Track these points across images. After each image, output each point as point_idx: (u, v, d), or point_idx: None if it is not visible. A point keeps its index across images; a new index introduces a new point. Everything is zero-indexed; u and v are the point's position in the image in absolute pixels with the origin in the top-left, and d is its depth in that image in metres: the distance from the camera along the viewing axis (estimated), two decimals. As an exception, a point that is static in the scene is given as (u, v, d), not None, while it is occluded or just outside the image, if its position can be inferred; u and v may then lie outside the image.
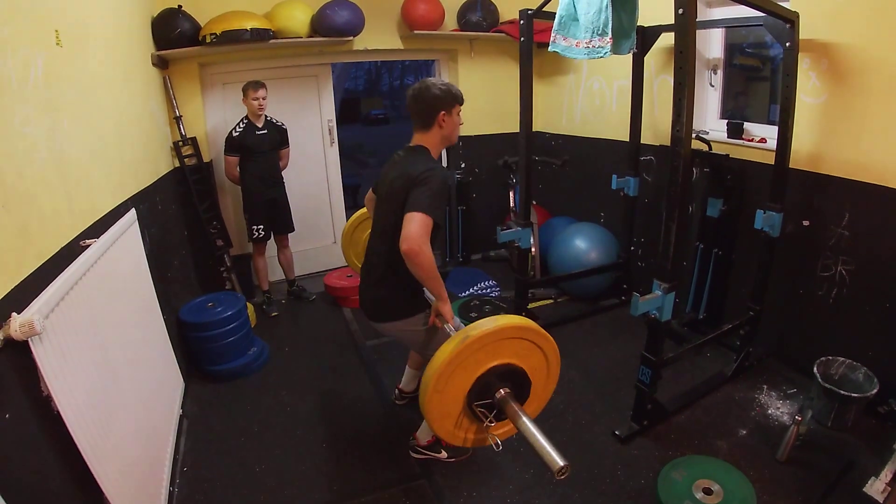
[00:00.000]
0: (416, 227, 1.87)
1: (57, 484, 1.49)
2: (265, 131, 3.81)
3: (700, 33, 3.20)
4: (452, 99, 2.10)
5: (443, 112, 2.08)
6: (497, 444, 1.85)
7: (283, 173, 4.05)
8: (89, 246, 1.86)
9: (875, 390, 2.47)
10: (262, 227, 3.92)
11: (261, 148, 3.80)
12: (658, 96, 3.67)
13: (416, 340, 2.29)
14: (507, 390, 1.78)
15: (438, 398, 1.72)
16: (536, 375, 1.86)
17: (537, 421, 1.74)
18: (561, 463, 1.56)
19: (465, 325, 2.20)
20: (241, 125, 3.73)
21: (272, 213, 3.98)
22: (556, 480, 1.63)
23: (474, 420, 1.84)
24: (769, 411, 2.74)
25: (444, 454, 2.47)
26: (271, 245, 4.15)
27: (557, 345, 1.85)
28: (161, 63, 3.64)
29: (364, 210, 2.81)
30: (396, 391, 2.94)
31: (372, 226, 2.31)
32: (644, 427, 2.62)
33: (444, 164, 4.70)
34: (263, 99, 3.69)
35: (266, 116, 3.83)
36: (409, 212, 1.90)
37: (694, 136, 3.15)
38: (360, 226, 2.99)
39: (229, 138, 3.73)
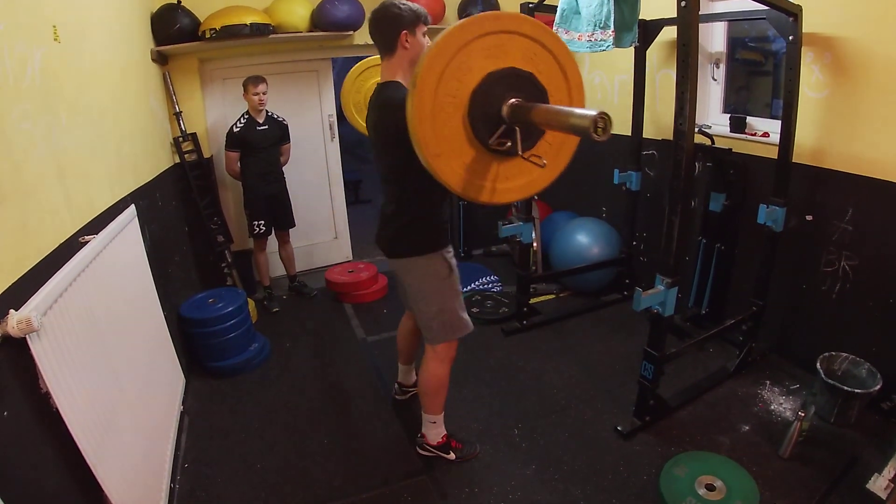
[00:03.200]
0: None
1: (56, 481, 1.49)
2: (266, 127, 3.80)
3: (702, 27, 3.18)
4: (416, 18, 1.93)
5: (405, 32, 1.91)
6: (542, 163, 1.63)
7: (283, 168, 4.04)
8: (88, 242, 1.85)
9: (878, 386, 2.45)
10: (262, 222, 3.92)
11: (262, 143, 3.79)
12: (660, 90, 3.64)
13: (426, 288, 2.17)
14: (517, 98, 1.51)
15: (441, 161, 1.47)
16: (545, 74, 1.57)
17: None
18: (593, 113, 1.33)
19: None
20: (242, 120, 3.72)
21: (273, 208, 3.97)
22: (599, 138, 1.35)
23: (502, 160, 1.57)
24: (772, 407, 2.73)
25: (451, 455, 2.45)
26: (272, 241, 4.14)
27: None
28: (160, 59, 3.63)
29: (373, 58, 2.69)
30: (396, 386, 2.93)
31: (379, 172, 2.21)
32: (646, 423, 2.61)
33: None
34: (264, 94, 3.68)
35: (267, 112, 3.81)
36: None
37: (696, 130, 3.14)
38: (366, 72, 2.95)
39: (230, 134, 3.72)
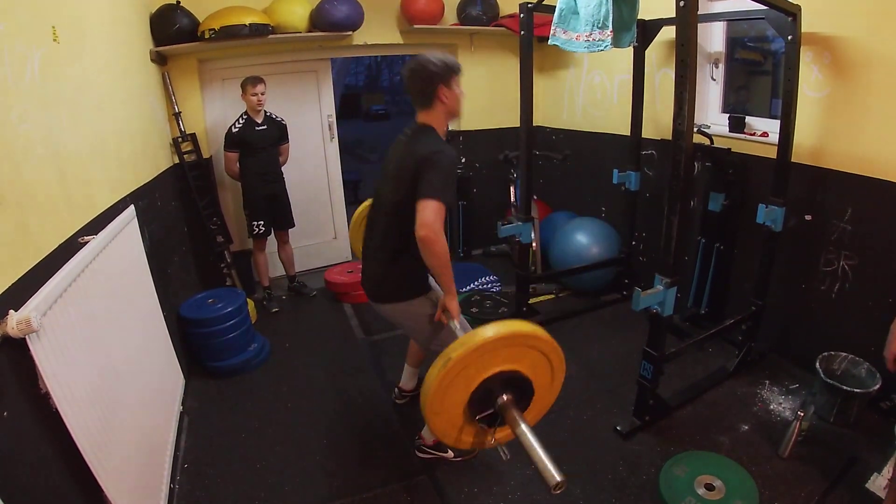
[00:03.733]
0: (431, 213, 1.85)
1: (56, 481, 1.49)
2: (265, 127, 3.80)
3: (701, 27, 3.18)
4: (449, 71, 2.01)
5: (442, 86, 2.00)
6: (505, 454, 1.85)
7: (283, 169, 4.04)
8: (88, 242, 1.85)
9: (877, 386, 2.45)
10: (262, 222, 3.92)
11: (261, 144, 3.79)
12: (659, 90, 3.64)
13: (419, 327, 2.21)
14: (509, 397, 1.73)
15: (438, 419, 1.71)
16: (539, 377, 1.81)
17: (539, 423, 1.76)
18: (558, 478, 1.52)
19: (469, 323, 2.17)
20: (241, 121, 3.72)
21: (272, 208, 3.97)
22: (552, 494, 1.60)
23: (478, 426, 1.80)
24: (771, 407, 2.73)
25: (450, 454, 2.46)
26: (271, 241, 4.14)
27: (559, 340, 1.81)
28: (160, 59, 3.63)
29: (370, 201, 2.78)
30: (396, 390, 2.92)
31: (373, 204, 2.24)
32: (646, 422, 2.61)
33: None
34: (262, 94, 3.68)
35: (266, 112, 3.81)
36: (422, 198, 1.87)
37: (695, 130, 3.14)
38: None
39: (229, 134, 3.72)
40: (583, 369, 3.14)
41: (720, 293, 3.37)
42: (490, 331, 1.64)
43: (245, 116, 3.74)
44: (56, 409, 1.44)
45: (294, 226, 4.18)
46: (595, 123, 4.35)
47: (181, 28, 3.56)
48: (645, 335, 2.52)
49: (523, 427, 1.68)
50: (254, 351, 3.30)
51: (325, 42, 4.23)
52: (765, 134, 3.04)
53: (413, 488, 2.33)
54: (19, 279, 1.45)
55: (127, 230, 2.28)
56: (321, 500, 2.29)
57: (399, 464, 2.48)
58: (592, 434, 2.61)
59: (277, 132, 3.91)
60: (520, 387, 1.76)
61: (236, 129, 3.70)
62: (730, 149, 3.08)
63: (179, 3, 3.58)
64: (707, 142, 3.20)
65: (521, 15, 3.06)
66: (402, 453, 2.54)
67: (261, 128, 3.78)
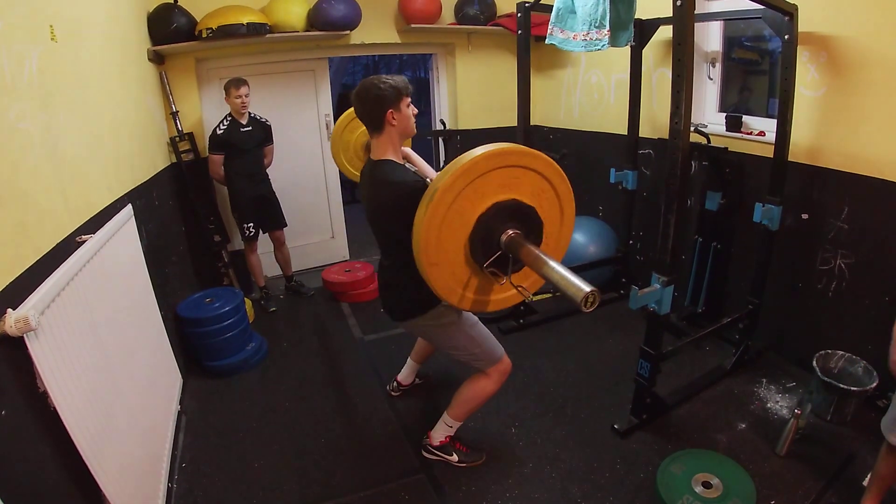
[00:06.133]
0: None
1: (54, 480, 1.49)
2: (250, 128, 3.76)
3: (698, 26, 3.19)
4: (397, 94, 1.97)
5: (390, 110, 1.96)
6: (528, 295, 1.73)
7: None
8: (85, 242, 1.85)
9: (874, 384, 2.46)
10: (252, 224, 3.89)
11: (246, 145, 3.75)
12: (656, 89, 3.65)
13: (446, 336, 2.22)
14: (516, 231, 1.59)
15: (437, 270, 1.57)
16: (545, 206, 1.65)
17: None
18: (586, 290, 1.40)
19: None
20: (225, 123, 3.68)
21: (261, 209, 3.94)
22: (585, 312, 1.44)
23: (489, 278, 1.65)
24: (768, 405, 2.74)
25: (455, 457, 2.43)
26: (265, 241, 4.12)
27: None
28: (157, 58, 3.62)
29: (351, 111, 2.82)
30: (394, 383, 2.94)
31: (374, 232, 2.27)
32: (643, 421, 2.62)
33: (442, 157, 4.67)
34: (246, 97, 3.64)
35: (250, 113, 3.78)
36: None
37: (692, 129, 3.14)
38: (348, 127, 3.18)
39: (213, 136, 3.68)
40: (580, 368, 3.14)
41: (717, 292, 3.38)
42: (476, 151, 1.52)
43: (230, 118, 3.70)
44: (54, 407, 1.44)
45: (286, 225, 4.14)
46: (592, 123, 4.36)
47: (178, 27, 3.56)
48: (642, 334, 2.53)
49: (538, 253, 1.54)
50: (251, 350, 3.30)
51: (322, 41, 4.23)
52: (761, 133, 3.05)
53: (411, 486, 2.33)
54: (17, 278, 1.45)
55: (124, 229, 2.28)
56: (319, 499, 2.29)
57: (397, 462, 2.48)
58: (590, 432, 2.61)
59: (262, 133, 3.88)
60: (525, 220, 1.62)
61: (221, 131, 3.67)
62: (727, 148, 3.09)
63: (177, 2, 3.57)
64: (704, 141, 3.20)
65: (519, 14, 3.06)
66: (400, 452, 2.54)
67: (245, 129, 3.74)
